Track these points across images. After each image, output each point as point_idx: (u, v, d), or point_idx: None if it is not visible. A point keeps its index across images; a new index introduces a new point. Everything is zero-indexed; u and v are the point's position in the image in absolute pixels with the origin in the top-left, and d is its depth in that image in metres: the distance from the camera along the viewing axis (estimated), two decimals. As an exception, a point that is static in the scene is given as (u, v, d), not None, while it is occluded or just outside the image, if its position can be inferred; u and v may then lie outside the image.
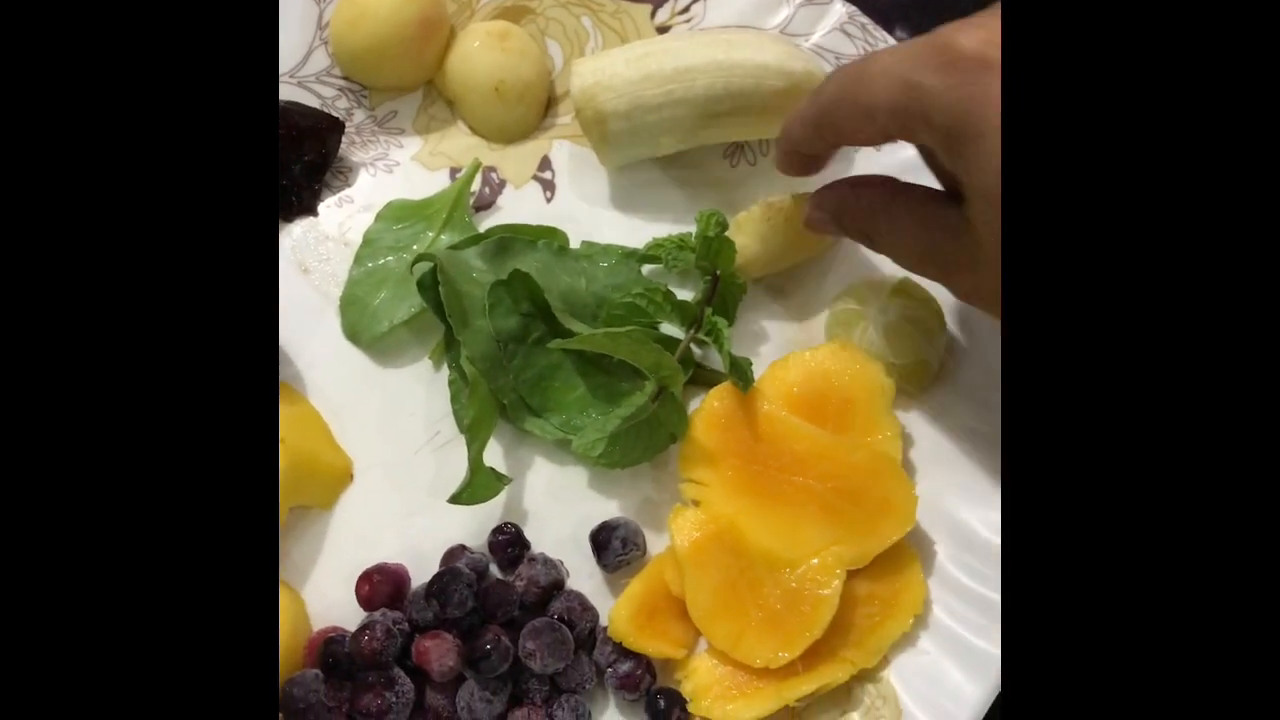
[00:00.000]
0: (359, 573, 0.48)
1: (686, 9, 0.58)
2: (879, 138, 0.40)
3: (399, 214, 0.55)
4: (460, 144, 0.57)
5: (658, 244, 0.53)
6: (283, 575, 0.49)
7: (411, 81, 0.58)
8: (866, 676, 0.47)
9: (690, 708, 0.46)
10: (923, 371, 0.50)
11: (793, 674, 0.46)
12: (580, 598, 0.48)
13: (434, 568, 0.49)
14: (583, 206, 0.56)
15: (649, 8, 0.58)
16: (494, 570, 0.50)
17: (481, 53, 0.56)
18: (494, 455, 0.51)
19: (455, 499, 0.47)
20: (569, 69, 0.57)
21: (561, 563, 0.49)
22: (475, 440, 0.48)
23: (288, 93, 0.56)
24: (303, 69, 0.57)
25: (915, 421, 0.51)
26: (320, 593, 0.50)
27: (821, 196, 0.47)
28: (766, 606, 0.46)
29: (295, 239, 0.55)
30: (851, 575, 0.46)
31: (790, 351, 0.51)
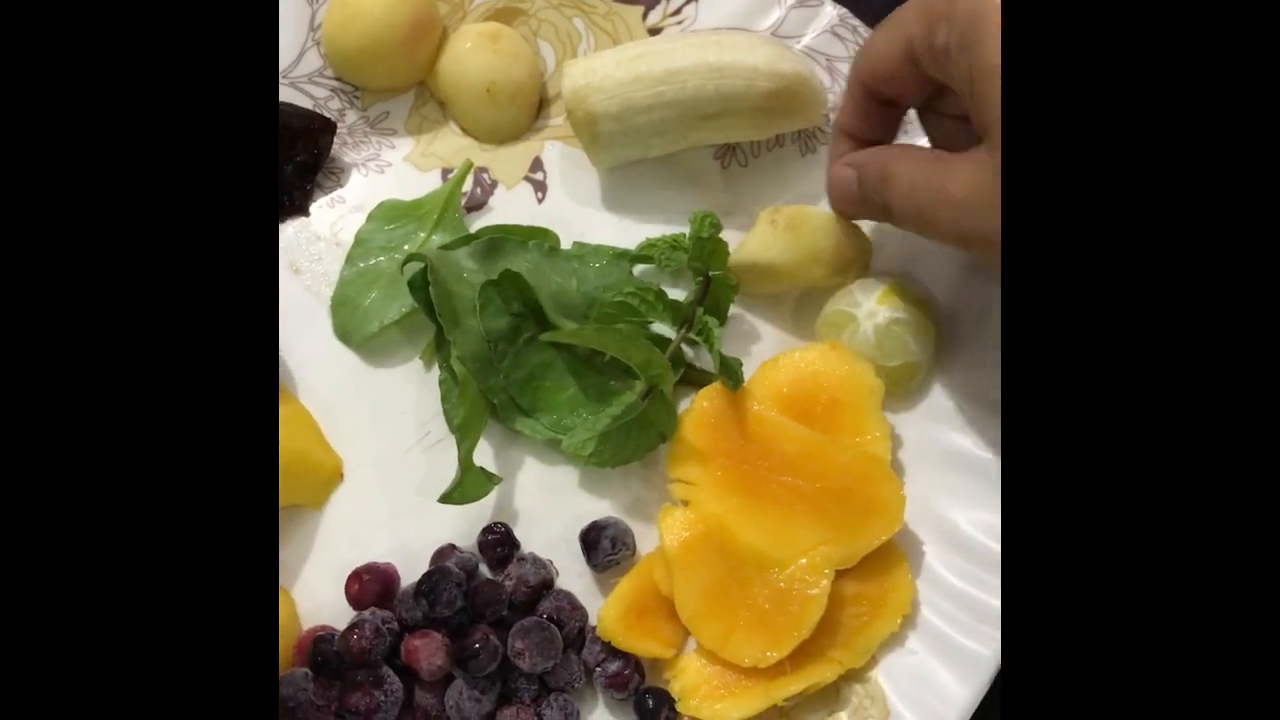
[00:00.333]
0: (349, 572, 0.48)
1: (678, 11, 0.58)
2: (906, 61, 0.43)
3: (391, 214, 0.55)
4: (452, 145, 0.58)
5: (651, 244, 0.53)
6: (273, 574, 0.50)
7: (404, 82, 0.58)
8: (854, 676, 0.47)
9: (679, 707, 0.46)
10: (912, 373, 0.50)
11: (781, 673, 0.46)
12: (569, 597, 0.48)
13: (424, 567, 0.49)
14: (574, 207, 0.56)
15: (641, 9, 0.58)
16: (483, 569, 0.50)
17: (473, 54, 0.56)
18: (484, 455, 0.51)
19: (445, 498, 0.48)
20: (561, 70, 0.57)
21: (551, 562, 0.49)
22: (465, 440, 0.48)
23: (281, 93, 0.57)
24: (295, 70, 0.57)
25: (904, 422, 0.51)
26: (310, 591, 0.50)
27: (849, 157, 0.48)
28: (755, 606, 0.46)
29: (287, 239, 0.56)
30: (840, 575, 0.46)
31: (781, 352, 0.51)
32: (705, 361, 0.52)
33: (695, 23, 0.57)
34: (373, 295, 0.53)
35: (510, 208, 0.56)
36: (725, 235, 0.51)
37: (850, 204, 0.49)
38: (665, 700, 0.46)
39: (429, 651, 0.45)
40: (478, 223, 0.56)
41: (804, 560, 0.46)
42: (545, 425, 0.51)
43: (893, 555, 0.48)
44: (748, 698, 0.46)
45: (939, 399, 0.51)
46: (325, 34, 0.56)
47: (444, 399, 0.51)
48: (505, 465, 0.52)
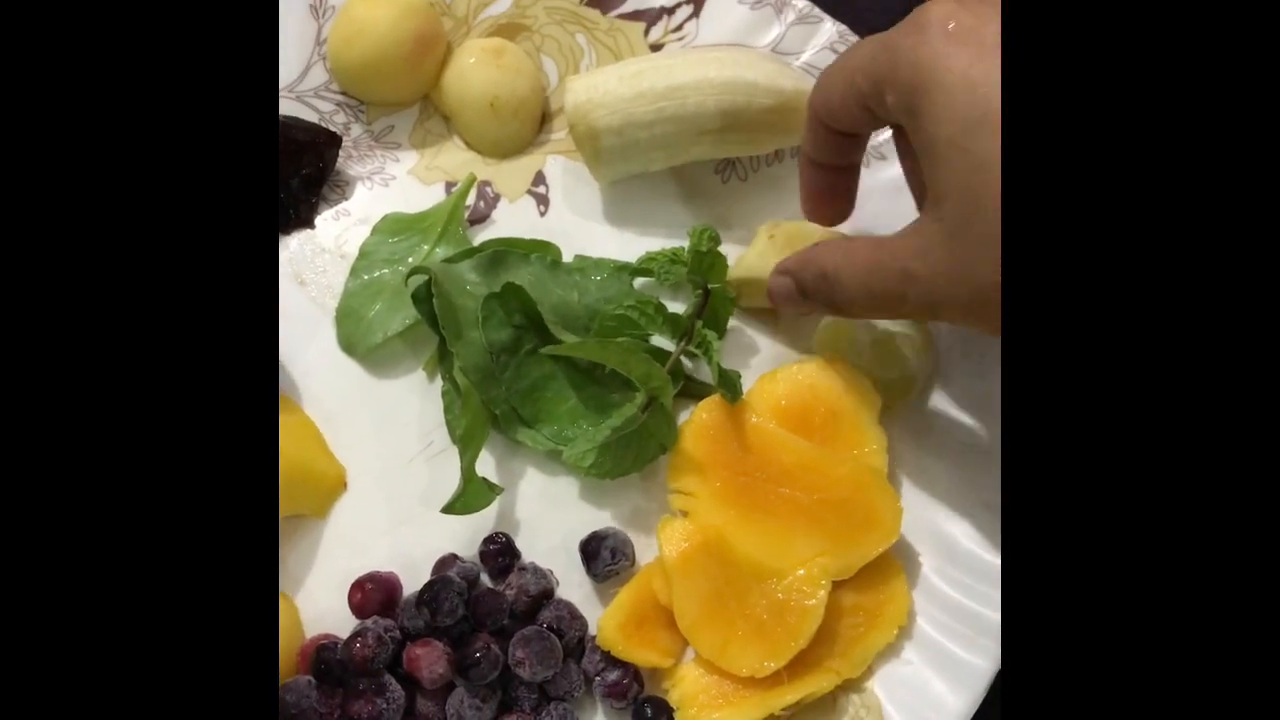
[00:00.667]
0: (351, 580, 0.49)
1: (679, 27, 0.58)
2: (860, 109, 0.42)
3: (395, 227, 0.56)
4: (455, 158, 0.58)
5: (650, 258, 0.54)
6: (276, 583, 0.50)
7: (408, 97, 0.59)
8: (851, 686, 0.47)
9: (677, 716, 0.47)
10: (909, 386, 0.51)
11: (778, 683, 0.46)
12: (570, 606, 0.49)
13: (425, 576, 0.49)
14: (576, 221, 0.57)
15: (643, 26, 0.59)
16: (485, 579, 0.50)
17: (477, 69, 0.56)
18: (485, 465, 0.52)
19: (448, 509, 0.48)
20: (563, 85, 0.57)
21: (551, 572, 0.50)
22: (468, 450, 0.49)
23: (286, 107, 0.57)
24: (301, 84, 0.58)
25: (901, 435, 0.51)
26: (313, 600, 0.50)
27: (781, 264, 0.48)
28: (753, 616, 0.47)
29: (292, 251, 0.56)
30: (837, 586, 0.47)
31: (779, 365, 0.51)
32: (704, 374, 0.52)
33: (696, 39, 0.58)
34: (377, 307, 0.54)
35: (513, 221, 0.57)
36: (724, 249, 0.52)
37: (794, 308, 0.48)
38: (664, 709, 0.47)
39: (431, 660, 0.46)
40: (481, 236, 0.56)
41: (802, 571, 0.47)
42: (546, 436, 0.51)
43: (889, 566, 0.48)
44: (745, 707, 0.46)
45: (935, 412, 0.52)
46: (330, 49, 0.57)
47: (446, 410, 0.52)
48: (506, 476, 0.52)
